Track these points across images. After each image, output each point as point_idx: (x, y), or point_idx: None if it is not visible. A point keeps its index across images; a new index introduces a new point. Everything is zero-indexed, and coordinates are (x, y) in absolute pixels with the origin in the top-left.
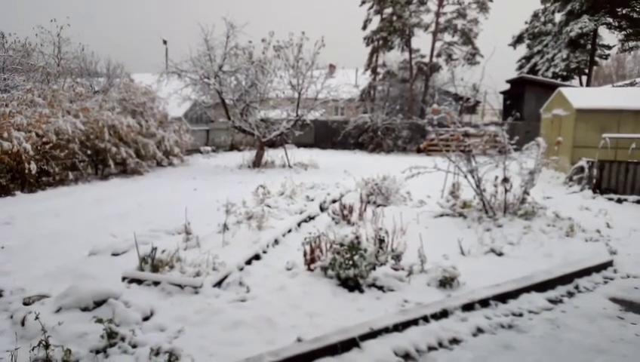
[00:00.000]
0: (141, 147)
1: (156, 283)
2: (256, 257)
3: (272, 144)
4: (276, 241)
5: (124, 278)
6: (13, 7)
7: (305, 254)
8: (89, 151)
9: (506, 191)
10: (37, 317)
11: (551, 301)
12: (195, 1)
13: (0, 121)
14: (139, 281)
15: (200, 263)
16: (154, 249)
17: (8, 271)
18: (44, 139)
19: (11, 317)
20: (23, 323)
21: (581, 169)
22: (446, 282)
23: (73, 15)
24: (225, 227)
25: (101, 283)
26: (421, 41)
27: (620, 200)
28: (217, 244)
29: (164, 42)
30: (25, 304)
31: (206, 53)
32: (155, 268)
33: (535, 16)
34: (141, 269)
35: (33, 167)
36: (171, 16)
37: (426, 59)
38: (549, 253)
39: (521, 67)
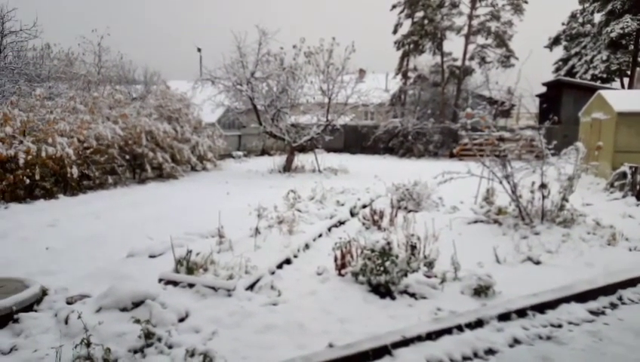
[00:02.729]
0: (176, 152)
1: (191, 285)
2: (287, 261)
3: (302, 149)
4: (307, 246)
5: (160, 280)
6: (58, 19)
7: (335, 259)
8: (127, 156)
9: (544, 197)
10: (79, 317)
11: (592, 312)
12: (230, 10)
13: (45, 128)
14: (174, 283)
15: (233, 266)
16: (189, 252)
17: (53, 271)
18: (85, 145)
19: (56, 315)
20: (66, 322)
21: (623, 175)
22: (481, 290)
23: (113, 25)
24: (257, 231)
25: (139, 285)
26: (453, 44)
27: None
28: (249, 248)
29: (199, 50)
30: (68, 303)
31: (239, 60)
32: (189, 271)
33: (573, 17)
34: (177, 271)
35: (75, 171)
36: (206, 25)
37: (459, 63)
38: (590, 262)
39: (557, 69)
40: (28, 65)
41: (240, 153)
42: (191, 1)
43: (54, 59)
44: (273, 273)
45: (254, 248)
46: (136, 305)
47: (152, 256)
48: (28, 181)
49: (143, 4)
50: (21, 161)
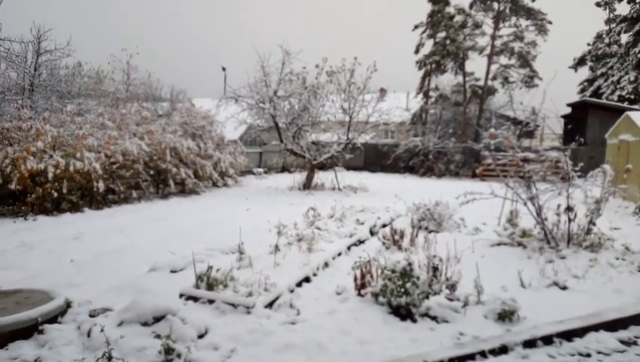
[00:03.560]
0: (199, 168)
1: (211, 302)
2: (307, 280)
3: (322, 166)
4: (326, 264)
5: (181, 295)
6: (91, 39)
7: (355, 279)
8: (151, 172)
9: (570, 220)
10: (102, 330)
11: (623, 342)
12: (255, 31)
13: (74, 143)
14: (195, 299)
15: (252, 283)
16: (209, 268)
17: (77, 283)
18: (112, 160)
19: (79, 327)
20: (88, 335)
21: None
22: (505, 315)
23: (142, 45)
24: (276, 248)
25: (160, 299)
26: (475, 64)
27: None
28: (269, 265)
29: (223, 69)
30: (91, 316)
31: (262, 79)
32: (210, 287)
33: (598, 37)
34: (197, 287)
35: (101, 185)
36: (231, 45)
37: (481, 83)
38: (619, 289)
39: (583, 90)
40: (60, 83)
41: (260, 170)
42: (217, 22)
43: (85, 76)
44: (292, 291)
45: (274, 265)
46: (157, 319)
47: (173, 271)
48: (56, 194)
49: (172, 26)
50: (50, 175)
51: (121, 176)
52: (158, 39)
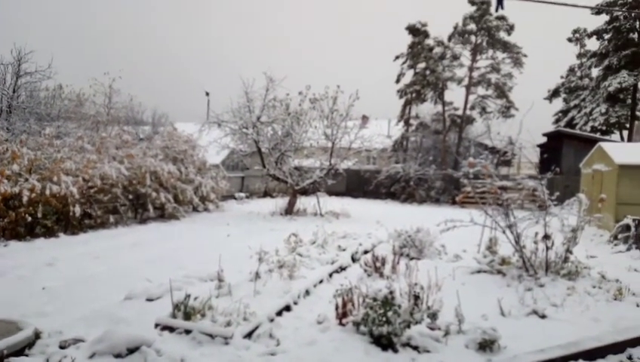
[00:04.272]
0: (179, 192)
1: (188, 332)
2: (287, 308)
3: (305, 192)
4: (307, 292)
5: (157, 325)
6: (72, 62)
7: (337, 307)
8: (130, 196)
9: (548, 248)
10: None
11: None
12: (238, 56)
13: (52, 166)
14: (171, 329)
15: (231, 312)
16: (187, 296)
17: (48, 312)
18: (90, 184)
19: (47, 360)
20: None
21: (627, 227)
22: (486, 345)
23: (126, 68)
24: (257, 275)
25: (134, 329)
26: (454, 94)
27: None
28: (249, 293)
29: (207, 94)
30: (61, 347)
31: (246, 104)
32: (187, 316)
33: (571, 70)
34: (174, 316)
35: (77, 209)
36: (215, 70)
37: (460, 112)
38: (597, 318)
39: (557, 120)
40: (39, 105)
41: (242, 194)
42: (203, 48)
43: (65, 99)
44: (272, 320)
45: (254, 293)
46: (131, 351)
47: (149, 300)
48: (29, 219)
49: (156, 50)
50: (25, 199)
51: (98, 201)
52: (143, 63)
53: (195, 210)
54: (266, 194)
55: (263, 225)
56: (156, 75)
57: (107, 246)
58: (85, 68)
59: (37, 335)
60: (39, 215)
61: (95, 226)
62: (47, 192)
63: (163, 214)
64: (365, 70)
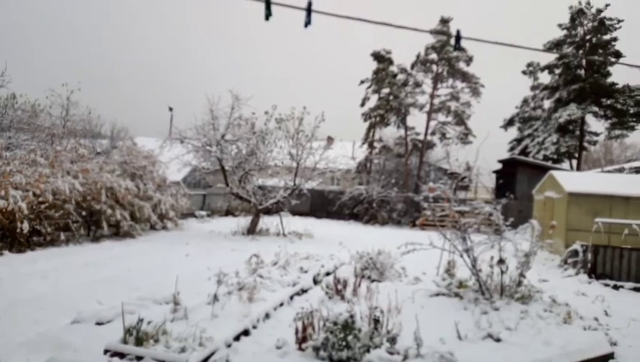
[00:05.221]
0: (137, 210)
1: (139, 358)
2: (246, 333)
3: (268, 211)
4: (267, 315)
5: (106, 351)
6: (26, 73)
7: (296, 332)
8: (84, 213)
9: (502, 272)
10: None
11: None
12: (203, 74)
13: None
14: (121, 355)
15: (186, 337)
16: (140, 320)
17: None
18: (41, 199)
19: None
20: None
21: (575, 252)
22: None
23: (85, 80)
24: (215, 298)
25: (82, 356)
26: (416, 119)
27: (616, 287)
28: (206, 317)
29: (170, 109)
30: None
31: (210, 122)
32: (139, 341)
33: (525, 101)
34: (125, 342)
35: (25, 226)
36: (179, 86)
37: (421, 137)
38: (548, 341)
39: (512, 148)
40: None
41: (203, 213)
42: (167, 63)
43: (18, 109)
44: (229, 346)
45: (211, 317)
46: None
47: (99, 323)
48: None
49: (119, 63)
50: None
51: (49, 217)
52: (106, 75)
53: (152, 228)
54: (229, 212)
55: (224, 245)
56: (117, 88)
57: (56, 266)
58: (42, 78)
59: None
60: None
61: (44, 244)
62: None
63: (118, 232)
64: (332, 91)
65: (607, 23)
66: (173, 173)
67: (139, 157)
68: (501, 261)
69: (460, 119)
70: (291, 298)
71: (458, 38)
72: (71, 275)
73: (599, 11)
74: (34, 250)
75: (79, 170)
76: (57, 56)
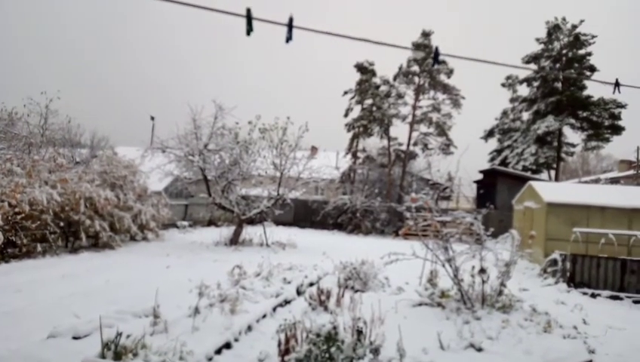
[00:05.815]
0: (116, 220)
1: None
2: (227, 346)
3: (251, 221)
4: (249, 328)
5: None
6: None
7: (279, 344)
8: (62, 223)
9: (484, 282)
10: None
11: None
12: (186, 83)
13: None
14: None
15: (166, 351)
16: (119, 334)
17: None
18: (17, 209)
19: None
20: None
21: (554, 262)
22: None
23: (65, 88)
24: (196, 310)
25: None
26: (399, 130)
27: (593, 295)
28: (187, 330)
29: (152, 118)
30: None
31: (193, 131)
32: (117, 356)
33: (504, 113)
34: (103, 356)
35: (0, 237)
36: (162, 95)
37: (404, 147)
38: (528, 350)
39: (492, 159)
40: None
41: (185, 223)
42: (149, 71)
43: None
44: (211, 359)
45: (192, 330)
46: None
47: (76, 338)
48: None
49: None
50: None
51: (25, 228)
52: (85, 83)
53: (132, 239)
54: (211, 223)
55: (206, 256)
56: (99, 96)
57: (32, 278)
58: (21, 86)
59: None
60: None
61: (19, 256)
62: None
63: (97, 243)
64: (316, 102)
65: (582, 38)
66: (155, 182)
67: (119, 167)
68: (482, 270)
69: (442, 130)
70: (274, 309)
71: (436, 54)
72: (47, 288)
73: (574, 27)
74: (8, 262)
75: (57, 180)
76: (38, 64)
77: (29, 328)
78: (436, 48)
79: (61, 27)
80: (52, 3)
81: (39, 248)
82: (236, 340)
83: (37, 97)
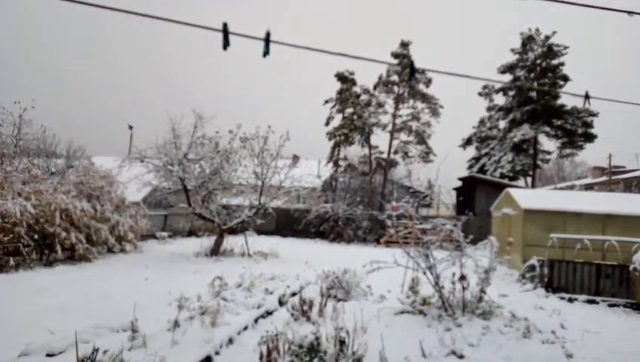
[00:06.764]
0: (93, 232)
1: None
2: (208, 359)
3: (232, 231)
4: (231, 340)
5: None
6: None
7: (261, 356)
8: (36, 236)
9: (464, 289)
10: None
11: None
12: (165, 93)
13: None
14: None
15: None
16: (95, 350)
17: None
18: None
19: None
20: None
21: (532, 267)
22: None
23: (40, 97)
24: (175, 324)
25: None
26: (380, 138)
27: (570, 300)
28: (166, 344)
29: (130, 128)
30: None
31: (172, 141)
32: None
33: (482, 122)
34: None
35: None
36: (140, 104)
37: (385, 155)
38: (509, 356)
39: (471, 166)
40: None
41: (164, 234)
42: (126, 80)
43: None
44: None
45: (171, 344)
46: None
47: (50, 355)
48: None
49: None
50: None
51: None
52: (61, 92)
53: (110, 251)
54: (191, 233)
55: (186, 267)
56: (74, 106)
57: (3, 293)
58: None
59: None
60: None
61: None
62: None
63: (73, 256)
64: (297, 110)
65: (555, 48)
66: (133, 193)
67: (96, 177)
68: (462, 277)
69: (421, 138)
70: (256, 321)
71: (412, 69)
72: (20, 303)
73: (547, 38)
74: None
75: (32, 192)
76: (11, 73)
77: (0, 346)
78: (412, 63)
79: (36, 30)
80: (27, 9)
81: (12, 262)
82: (217, 354)
83: (10, 107)
